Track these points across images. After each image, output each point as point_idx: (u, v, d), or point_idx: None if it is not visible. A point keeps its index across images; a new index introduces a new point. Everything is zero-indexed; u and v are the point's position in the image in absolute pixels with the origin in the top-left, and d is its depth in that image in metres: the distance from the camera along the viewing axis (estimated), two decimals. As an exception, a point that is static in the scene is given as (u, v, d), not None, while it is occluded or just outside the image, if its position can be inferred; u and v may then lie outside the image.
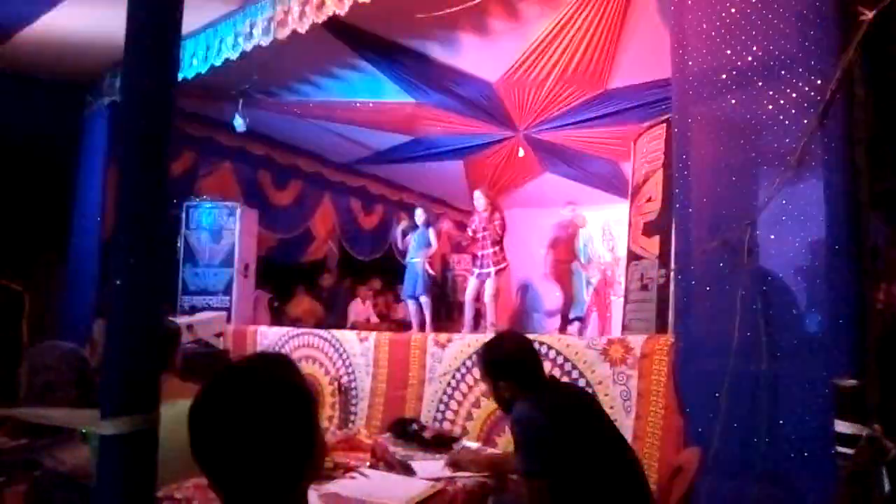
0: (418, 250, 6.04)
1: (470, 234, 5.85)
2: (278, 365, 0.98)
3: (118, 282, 0.88)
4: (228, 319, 5.58)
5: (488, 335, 3.86)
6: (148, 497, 0.91)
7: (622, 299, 6.90)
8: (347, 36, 4.67)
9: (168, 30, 0.91)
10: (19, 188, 5.03)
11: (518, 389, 2.05)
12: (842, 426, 2.00)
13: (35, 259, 5.17)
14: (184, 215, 6.14)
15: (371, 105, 5.94)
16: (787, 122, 2.32)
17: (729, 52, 2.44)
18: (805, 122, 2.28)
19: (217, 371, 0.94)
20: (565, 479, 1.80)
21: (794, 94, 2.30)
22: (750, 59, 2.40)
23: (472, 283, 5.80)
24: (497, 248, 5.54)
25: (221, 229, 6.21)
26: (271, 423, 0.90)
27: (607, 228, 8.73)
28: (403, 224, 6.34)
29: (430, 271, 6.01)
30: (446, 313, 8.87)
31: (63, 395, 3.34)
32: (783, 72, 2.32)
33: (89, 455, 2.76)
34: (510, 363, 2.10)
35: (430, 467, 2.50)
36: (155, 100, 0.87)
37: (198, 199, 6.30)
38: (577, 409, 1.99)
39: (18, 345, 4.32)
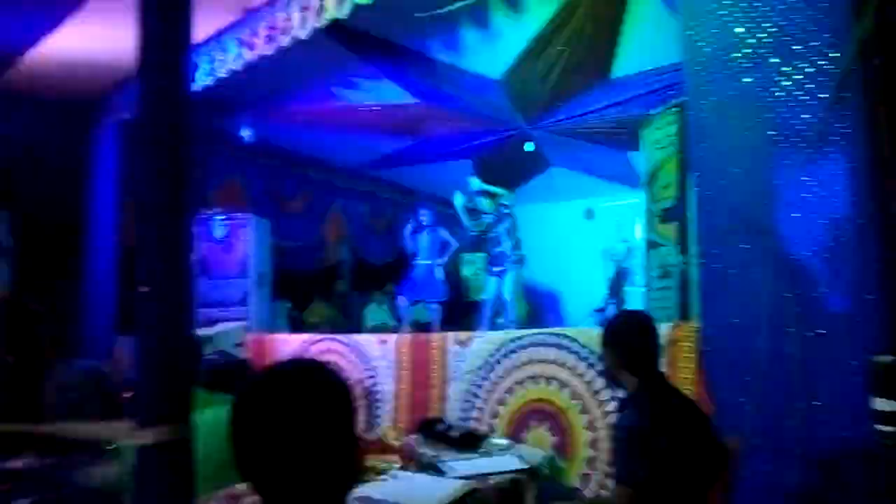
0: (429, 252, 5.97)
1: (480, 232, 5.83)
2: (318, 367, 0.97)
3: (146, 290, 0.86)
4: (247, 330, 5.59)
5: (510, 332, 3.83)
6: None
7: (639, 289, 6.85)
8: (349, 40, 4.67)
9: (179, 41, 0.90)
10: (33, 209, 5.07)
11: (621, 364, 2.02)
12: (880, 403, 1.97)
13: (52, 278, 5.20)
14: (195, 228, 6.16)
15: (376, 108, 5.93)
16: (804, 98, 2.28)
17: (740, 30, 2.41)
18: (823, 96, 2.24)
19: (256, 374, 0.93)
20: (659, 492, 1.76)
21: (809, 69, 2.26)
22: (762, 35, 2.36)
23: (490, 282, 5.76)
24: (512, 243, 5.51)
25: (234, 241, 6.23)
26: (316, 424, 0.90)
27: (619, 219, 8.67)
28: (410, 226, 6.26)
29: (442, 276, 5.94)
30: (461, 313, 8.83)
31: (87, 414, 3.34)
32: (797, 47, 2.28)
33: (118, 470, 2.76)
34: (621, 334, 2.07)
35: (461, 467, 2.48)
36: (171, 106, 0.86)
37: (208, 212, 6.32)
38: (682, 420, 1.92)
39: (40, 364, 4.34)
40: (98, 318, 5.29)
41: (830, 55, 2.20)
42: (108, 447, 3.00)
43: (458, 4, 3.89)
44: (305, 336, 4.89)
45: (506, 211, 5.58)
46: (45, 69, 4.70)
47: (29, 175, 4.95)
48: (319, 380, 0.94)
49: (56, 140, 5.27)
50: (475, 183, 5.69)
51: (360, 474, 1.03)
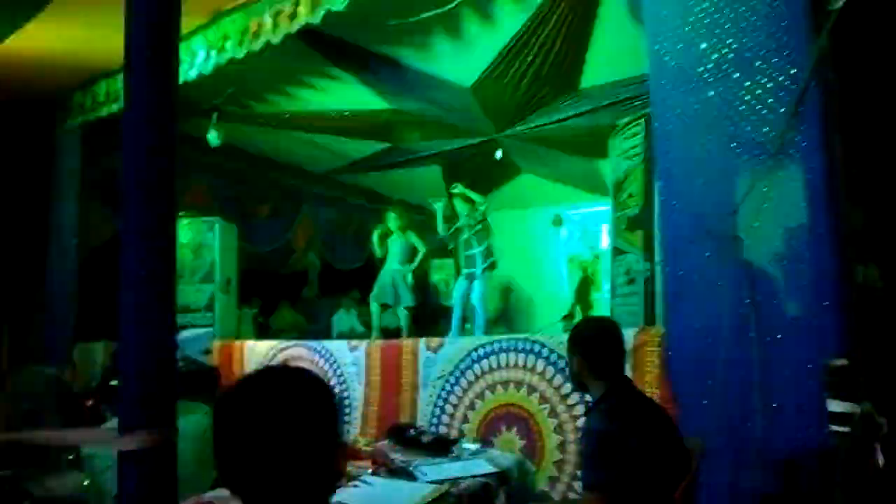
0: (398, 257, 5.96)
1: (449, 235, 5.87)
2: (300, 372, 0.98)
3: (130, 296, 0.87)
4: (213, 336, 5.50)
5: (480, 338, 3.87)
6: (170, 510, 0.90)
7: (604, 295, 6.97)
8: (321, 45, 4.66)
9: (168, 36, 0.90)
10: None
11: (588, 370, 2.03)
12: (834, 405, 2.05)
13: (12, 284, 5.05)
14: (162, 233, 6.04)
15: (347, 113, 5.92)
16: (763, 112, 2.38)
17: (704, 46, 2.50)
18: (781, 110, 2.34)
19: (239, 379, 0.94)
20: (627, 495, 1.79)
21: (769, 84, 2.36)
22: (725, 51, 2.45)
23: (459, 285, 5.77)
24: (484, 248, 5.54)
25: (201, 245, 6.14)
26: (300, 428, 0.91)
27: (586, 226, 8.82)
28: (379, 231, 6.25)
29: (410, 282, 5.92)
30: (431, 318, 8.84)
31: (47, 422, 3.25)
32: (758, 63, 2.38)
33: (79, 480, 2.69)
34: (587, 340, 2.09)
35: (431, 471, 2.49)
36: (160, 110, 0.86)
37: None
38: (649, 424, 1.94)
39: (-2, 372, 4.22)
40: (58, 324, 5.15)
41: (789, 72, 2.30)
42: (70, 457, 2.92)
43: (430, 13, 3.92)
44: (273, 342, 4.85)
45: (480, 217, 5.62)
46: (7, 69, 4.57)
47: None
48: (302, 384, 0.95)
49: (17, 142, 5.12)
50: (458, 188, 5.73)
51: (342, 477, 1.05)
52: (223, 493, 2.09)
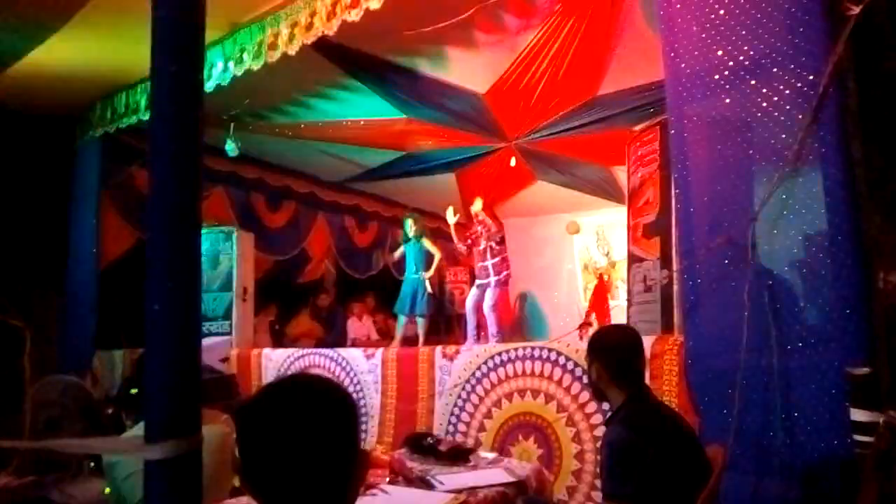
0: (414, 264, 5.99)
1: (465, 246, 5.88)
2: (324, 380, 1.00)
3: (156, 307, 0.88)
4: (231, 344, 5.54)
5: (496, 346, 3.86)
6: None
7: (620, 303, 6.94)
8: (336, 56, 4.70)
9: (194, 41, 0.92)
10: (14, 223, 5.01)
11: (608, 378, 2.03)
12: (857, 414, 2.02)
13: (33, 293, 5.13)
14: (179, 242, 6.11)
15: (362, 123, 5.97)
16: (781, 118, 2.36)
17: (720, 52, 2.49)
18: (799, 117, 2.31)
19: (263, 388, 0.96)
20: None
21: (786, 91, 2.34)
22: (741, 58, 2.44)
23: (472, 294, 5.79)
24: (498, 259, 5.55)
25: (218, 254, 6.19)
26: (323, 436, 0.93)
27: (602, 233, 8.79)
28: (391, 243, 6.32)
29: (430, 289, 5.93)
30: (445, 327, 8.84)
31: (68, 430, 3.29)
32: (775, 69, 2.36)
33: (102, 488, 2.72)
34: (608, 348, 2.09)
35: (449, 481, 2.49)
36: (185, 118, 0.88)
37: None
38: (668, 434, 1.93)
39: (21, 381, 4.28)
40: (79, 332, 5.22)
41: (807, 77, 2.28)
42: (91, 464, 2.96)
43: (445, 22, 3.95)
44: (289, 350, 4.87)
45: (497, 239, 5.63)
46: (28, 83, 4.67)
47: (9, 189, 4.90)
48: (325, 392, 0.97)
49: (39, 154, 5.22)
50: (477, 205, 5.76)
51: (364, 482, 1.06)
52: (243, 501, 2.10)
